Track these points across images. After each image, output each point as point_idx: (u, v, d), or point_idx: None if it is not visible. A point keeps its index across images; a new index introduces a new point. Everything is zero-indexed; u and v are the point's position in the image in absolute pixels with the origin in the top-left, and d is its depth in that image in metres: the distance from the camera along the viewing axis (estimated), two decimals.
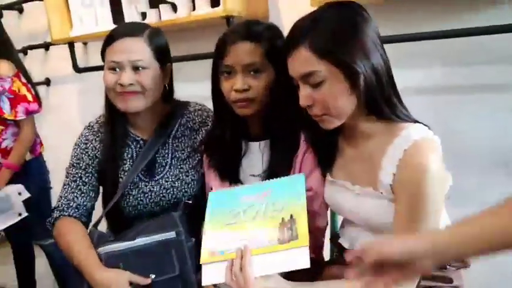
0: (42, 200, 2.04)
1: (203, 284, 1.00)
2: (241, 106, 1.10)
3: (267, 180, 1.11)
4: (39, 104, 2.01)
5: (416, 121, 0.98)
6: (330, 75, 0.91)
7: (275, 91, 1.09)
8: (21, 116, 1.92)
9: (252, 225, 0.98)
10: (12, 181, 1.97)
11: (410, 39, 1.52)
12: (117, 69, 1.21)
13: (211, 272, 0.98)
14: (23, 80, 1.96)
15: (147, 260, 1.14)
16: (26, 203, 1.94)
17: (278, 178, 1.07)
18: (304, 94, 0.95)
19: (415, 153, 0.90)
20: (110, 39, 1.22)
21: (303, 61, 0.92)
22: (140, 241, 1.16)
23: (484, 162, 1.54)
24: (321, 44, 0.90)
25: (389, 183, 0.94)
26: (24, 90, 1.94)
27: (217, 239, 1.01)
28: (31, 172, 2.03)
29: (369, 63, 0.91)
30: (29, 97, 1.95)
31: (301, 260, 0.90)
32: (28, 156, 2.03)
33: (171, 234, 1.16)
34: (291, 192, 1.00)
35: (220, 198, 1.11)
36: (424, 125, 0.97)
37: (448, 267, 1.01)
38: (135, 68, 1.20)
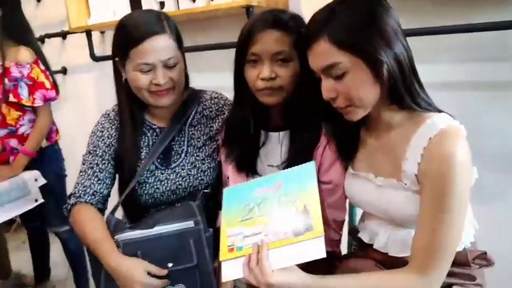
0: (58, 187, 2.05)
1: (223, 280, 1.00)
2: (266, 94, 1.09)
3: (279, 171, 1.10)
4: (57, 92, 2.02)
5: (440, 111, 0.96)
6: (352, 65, 0.90)
7: (299, 81, 1.08)
8: (38, 102, 1.93)
9: (267, 218, 0.98)
10: (28, 168, 1.98)
11: (437, 32, 1.48)
12: (149, 71, 1.19)
13: (230, 268, 0.98)
14: (42, 67, 1.96)
15: (165, 249, 1.14)
16: (42, 190, 1.96)
17: (289, 168, 1.06)
18: (327, 87, 0.94)
19: (441, 141, 0.88)
20: (133, 39, 1.17)
21: (323, 54, 0.91)
22: (159, 229, 1.15)
23: (506, 160, 1.51)
24: (340, 35, 0.89)
25: (414, 173, 0.92)
26: (42, 77, 1.94)
27: (234, 235, 1.01)
28: (47, 159, 2.04)
29: (391, 51, 0.90)
30: (47, 84, 1.95)
31: (318, 250, 0.89)
32: (44, 143, 2.04)
33: (190, 224, 1.16)
34: (302, 182, 0.99)
35: (234, 194, 1.10)
36: (449, 115, 0.95)
37: (472, 265, 0.99)
38: (167, 67, 1.20)
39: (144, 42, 1.16)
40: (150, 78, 1.19)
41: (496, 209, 1.53)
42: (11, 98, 1.90)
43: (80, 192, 1.26)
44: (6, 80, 1.90)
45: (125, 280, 1.10)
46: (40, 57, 1.98)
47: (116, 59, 1.25)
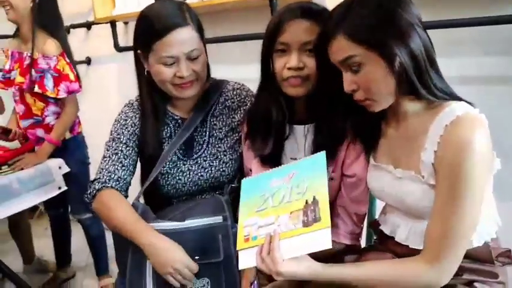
0: (81, 175, 2.07)
1: (239, 268, 1.02)
2: (293, 84, 1.08)
3: (292, 162, 1.11)
4: (80, 84, 2.04)
5: (460, 99, 0.95)
6: (367, 58, 0.91)
7: (326, 74, 1.06)
8: (62, 94, 1.95)
9: (279, 209, 1.00)
10: (52, 157, 2.01)
11: (455, 25, 1.46)
12: (172, 64, 1.19)
13: (246, 257, 1.00)
14: (67, 59, 1.99)
15: (194, 242, 1.15)
16: (65, 177, 1.99)
17: (301, 159, 1.07)
18: (347, 80, 0.95)
19: (457, 128, 0.88)
20: (157, 31, 1.17)
21: (339, 48, 0.93)
22: (190, 223, 1.17)
23: None
24: (355, 31, 0.91)
25: (431, 161, 0.92)
26: (67, 70, 1.96)
27: (250, 225, 1.03)
28: (70, 150, 2.07)
29: (406, 46, 0.90)
30: (71, 76, 1.97)
31: (324, 241, 0.91)
32: (67, 135, 2.07)
33: (219, 219, 1.18)
34: (313, 172, 1.00)
35: (251, 184, 1.12)
36: (470, 104, 0.94)
37: (495, 262, 0.98)
38: (190, 59, 1.20)
39: (168, 35, 1.16)
40: (174, 71, 1.20)
41: None
42: (36, 89, 1.93)
43: (105, 177, 1.25)
44: (33, 71, 1.93)
45: (165, 257, 1.11)
46: (66, 49, 2.00)
47: (138, 51, 1.25)
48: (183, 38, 1.17)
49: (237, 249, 1.02)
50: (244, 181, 1.14)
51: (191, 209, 1.21)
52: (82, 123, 2.20)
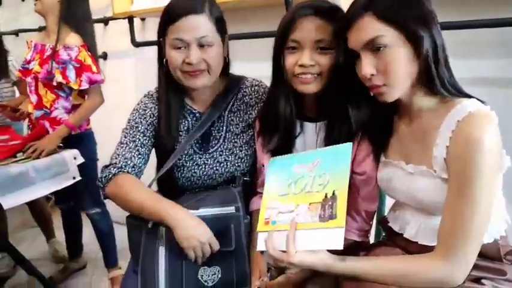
0: (89, 171, 2.04)
1: (257, 249, 1.05)
2: (304, 81, 1.09)
3: (317, 149, 1.11)
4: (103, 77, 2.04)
5: (471, 97, 0.96)
6: (394, 40, 0.93)
7: (337, 72, 1.08)
8: (84, 85, 1.96)
9: (300, 198, 1.01)
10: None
11: (469, 26, 1.47)
12: (182, 48, 1.21)
13: (263, 240, 1.02)
14: (89, 52, 1.99)
15: None
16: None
17: (327, 147, 1.07)
18: (367, 63, 0.95)
19: (469, 124, 0.89)
20: (172, 16, 1.20)
21: (366, 28, 0.94)
22: (203, 211, 1.18)
23: None
24: (385, 10, 0.92)
25: (443, 157, 0.93)
26: (89, 61, 1.97)
27: (271, 208, 1.05)
28: (78, 146, 2.04)
29: (431, 34, 0.93)
30: (94, 68, 1.98)
31: (336, 240, 0.92)
32: (75, 131, 2.06)
33: (231, 209, 1.19)
34: (336, 165, 1.00)
35: (277, 165, 1.13)
36: (481, 101, 0.95)
37: (503, 260, 0.98)
38: (201, 45, 1.20)
39: (182, 19, 1.18)
40: (184, 56, 1.21)
41: None
42: (60, 79, 1.95)
43: (122, 163, 1.25)
44: (54, 63, 1.95)
45: (192, 230, 1.12)
46: (88, 44, 2.01)
47: (160, 39, 1.27)
48: (195, 24, 1.19)
49: (257, 230, 1.04)
50: (271, 161, 1.15)
51: (205, 199, 1.23)
52: (97, 118, 2.19)
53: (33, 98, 2.08)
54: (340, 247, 0.91)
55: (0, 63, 2.30)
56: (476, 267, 0.96)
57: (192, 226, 1.12)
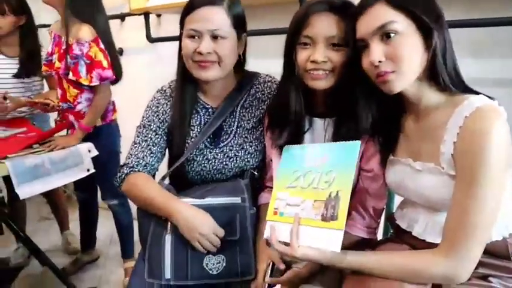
0: (110, 164, 2.05)
1: (264, 237, 1.07)
2: (315, 77, 1.09)
3: (327, 143, 1.12)
4: (116, 72, 2.03)
5: (478, 93, 0.96)
6: (405, 27, 0.93)
7: (349, 69, 1.07)
8: (95, 81, 1.95)
9: (307, 193, 1.02)
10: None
11: (490, 24, 1.45)
12: (196, 38, 1.22)
13: (272, 229, 1.04)
14: (101, 46, 1.97)
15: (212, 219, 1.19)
16: (96, 164, 2.02)
17: (337, 142, 1.07)
18: (377, 50, 0.95)
19: (475, 118, 0.89)
20: (190, 7, 1.23)
21: (378, 15, 0.94)
22: (209, 201, 1.22)
23: None
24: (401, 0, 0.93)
25: (451, 153, 0.93)
26: (100, 56, 1.94)
27: (280, 199, 1.07)
28: (100, 137, 2.09)
29: (439, 27, 0.93)
30: (104, 63, 1.96)
31: (334, 242, 0.93)
32: (98, 122, 2.09)
33: (237, 200, 1.22)
34: (343, 163, 1.00)
35: (290, 155, 1.14)
36: (490, 97, 0.94)
37: (511, 258, 0.97)
38: (214, 37, 1.22)
39: (198, 9, 1.21)
40: (196, 45, 1.22)
41: None
42: (70, 76, 1.95)
43: (134, 163, 1.31)
44: (68, 58, 1.95)
45: (192, 222, 1.16)
46: (102, 35, 1.98)
47: (181, 31, 1.28)
48: (210, 16, 1.21)
49: (266, 219, 1.07)
50: (285, 149, 1.16)
51: (212, 190, 1.26)
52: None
53: (59, 91, 2.11)
54: (338, 249, 0.93)
55: (36, 58, 2.32)
56: (483, 264, 0.96)
57: (192, 219, 1.16)
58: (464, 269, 0.89)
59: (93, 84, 1.95)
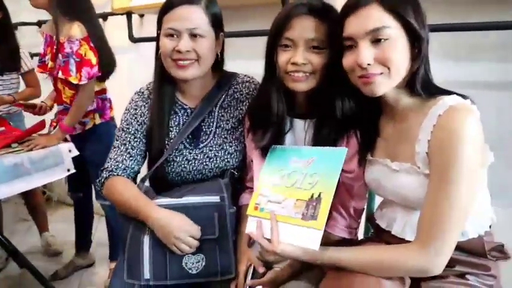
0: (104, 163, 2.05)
1: (246, 232, 1.09)
2: (296, 79, 1.10)
3: (315, 147, 1.13)
4: (108, 66, 2.03)
5: (451, 93, 0.98)
6: (397, 34, 0.94)
7: (329, 71, 1.09)
8: (84, 80, 1.92)
9: (289, 192, 1.05)
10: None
11: (476, 28, 1.49)
12: (175, 36, 1.23)
13: (252, 225, 1.07)
14: (92, 44, 1.95)
15: (190, 218, 1.19)
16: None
17: (324, 147, 1.09)
18: (366, 52, 0.95)
19: (448, 116, 0.91)
20: (168, 6, 1.24)
21: (371, 17, 0.94)
22: (186, 199, 1.22)
23: None
24: (395, 4, 0.94)
25: (426, 151, 0.95)
26: (90, 55, 1.93)
27: (263, 195, 1.09)
28: (97, 135, 2.08)
29: (426, 35, 0.96)
30: (93, 61, 1.94)
31: (313, 241, 0.96)
32: (98, 121, 2.08)
33: (216, 199, 1.22)
34: (328, 168, 1.03)
35: (276, 154, 1.16)
36: (463, 96, 0.97)
37: (488, 256, 1.00)
38: (193, 36, 1.22)
39: (176, 8, 1.22)
40: (174, 44, 1.22)
41: None
42: (60, 75, 1.94)
43: (113, 166, 1.32)
44: (60, 56, 1.94)
45: (167, 228, 1.17)
46: (93, 33, 1.97)
47: (158, 32, 1.29)
48: (188, 14, 1.22)
49: (247, 213, 1.09)
50: (272, 148, 1.17)
51: (191, 190, 1.26)
52: None
53: (54, 93, 2.10)
54: (316, 248, 0.95)
55: (13, 55, 2.30)
56: (461, 262, 0.98)
57: (168, 224, 1.17)
58: (437, 262, 0.91)
59: (82, 82, 1.93)
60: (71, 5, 1.95)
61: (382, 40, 0.94)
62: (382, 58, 0.95)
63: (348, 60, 1.00)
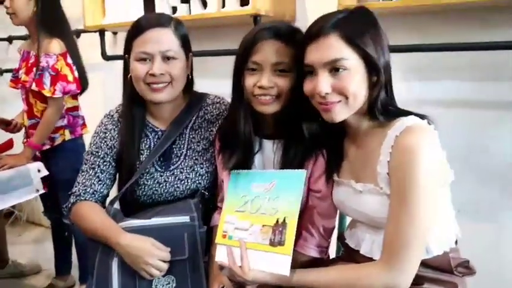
0: (73, 182, 2.02)
1: (215, 259, 1.09)
2: (263, 102, 1.11)
3: (274, 170, 1.15)
4: (80, 86, 2.05)
5: (410, 113, 1.00)
6: (354, 65, 0.96)
7: (296, 93, 1.09)
8: (58, 94, 1.94)
9: (254, 218, 1.06)
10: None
11: (440, 49, 1.53)
12: (147, 60, 1.22)
13: (222, 253, 1.07)
14: (69, 60, 2.00)
15: (159, 240, 1.18)
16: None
17: (284, 170, 1.11)
18: (324, 81, 0.97)
19: (405, 136, 0.94)
20: (137, 30, 1.24)
21: (331, 48, 0.96)
22: (155, 221, 1.21)
23: (508, 180, 1.53)
24: (353, 35, 0.95)
25: (386, 172, 0.97)
26: (66, 70, 1.97)
27: (229, 222, 1.09)
28: (66, 153, 2.07)
29: (386, 63, 0.98)
30: (70, 77, 1.97)
31: (282, 267, 0.98)
32: (67, 137, 2.07)
33: (185, 219, 1.21)
34: (290, 191, 1.04)
35: (238, 180, 1.16)
36: (422, 117, 0.99)
37: (455, 272, 1.01)
38: (165, 58, 1.22)
39: (146, 32, 1.22)
40: (147, 68, 1.22)
41: (489, 228, 1.57)
42: (33, 87, 1.94)
43: (80, 191, 1.30)
44: (35, 70, 1.95)
45: (135, 253, 1.15)
46: (70, 50, 2.03)
47: (126, 56, 1.28)
48: (160, 37, 1.22)
49: (216, 242, 1.09)
50: (233, 173, 1.17)
51: (161, 211, 1.25)
52: None
53: (25, 107, 2.09)
54: (287, 273, 0.96)
55: None
56: (428, 279, 1.00)
57: (135, 250, 1.16)
58: (402, 279, 0.93)
59: (55, 96, 1.95)
60: (52, 22, 2.00)
61: (341, 70, 0.96)
62: (339, 88, 0.97)
63: (307, 87, 1.02)
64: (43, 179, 1.96)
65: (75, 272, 2.42)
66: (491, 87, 1.54)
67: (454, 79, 1.59)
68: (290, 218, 1.00)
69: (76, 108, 2.14)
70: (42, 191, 1.89)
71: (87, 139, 2.13)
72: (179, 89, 1.29)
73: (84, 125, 2.16)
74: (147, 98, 1.26)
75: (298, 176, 1.05)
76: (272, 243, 0.99)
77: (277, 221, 1.01)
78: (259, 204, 1.06)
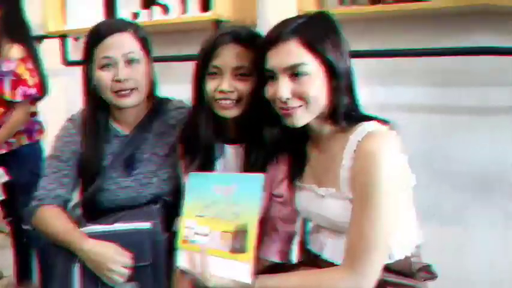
0: (31, 186, 1.96)
1: (178, 265, 1.08)
2: (224, 106, 1.11)
3: (235, 173, 1.16)
4: (41, 91, 2.06)
5: (373, 118, 1.02)
6: (315, 70, 0.97)
7: (257, 97, 1.10)
8: (18, 98, 1.96)
9: (214, 223, 1.04)
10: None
11: (403, 54, 1.57)
12: (110, 66, 1.22)
13: (183, 258, 1.06)
14: (30, 66, 2.01)
15: (122, 246, 1.18)
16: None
17: (243, 174, 1.12)
18: (285, 86, 0.98)
19: (367, 141, 0.95)
20: (97, 37, 1.23)
21: (290, 53, 0.97)
22: (118, 226, 1.21)
23: (471, 185, 1.56)
24: (313, 40, 0.96)
25: (348, 176, 0.98)
26: (27, 75, 1.99)
27: (189, 227, 1.07)
28: (24, 157, 2.06)
29: (347, 68, 0.99)
30: (30, 82, 2.00)
31: (243, 275, 0.97)
32: (24, 141, 2.07)
33: (147, 225, 1.20)
34: (250, 196, 1.02)
35: (197, 182, 1.13)
36: (385, 122, 1.01)
37: (417, 277, 1.03)
38: (129, 62, 1.22)
39: (108, 37, 1.22)
40: (112, 75, 1.22)
41: (453, 232, 1.60)
42: None
43: (43, 195, 1.28)
44: None
45: (97, 259, 1.15)
46: (32, 56, 2.04)
47: (86, 63, 1.27)
48: (121, 41, 1.22)
49: (176, 247, 1.07)
50: (191, 175, 1.15)
51: (123, 216, 1.25)
52: None
53: None
54: (248, 281, 0.96)
55: None
56: (391, 284, 1.00)
57: (97, 256, 1.16)
58: (364, 283, 0.93)
59: (16, 100, 1.96)
60: (14, 28, 2.01)
61: (300, 75, 0.96)
62: (300, 92, 0.98)
63: (269, 92, 1.02)
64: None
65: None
66: (453, 92, 1.58)
67: (417, 85, 1.63)
68: (250, 224, 0.99)
69: (34, 114, 2.15)
70: (1, 197, 1.86)
71: (45, 144, 2.13)
72: (144, 93, 1.28)
73: (40, 130, 2.16)
74: (114, 104, 1.26)
75: (257, 180, 1.03)
76: (232, 251, 0.98)
77: (237, 227, 1.00)
78: (219, 209, 1.05)
